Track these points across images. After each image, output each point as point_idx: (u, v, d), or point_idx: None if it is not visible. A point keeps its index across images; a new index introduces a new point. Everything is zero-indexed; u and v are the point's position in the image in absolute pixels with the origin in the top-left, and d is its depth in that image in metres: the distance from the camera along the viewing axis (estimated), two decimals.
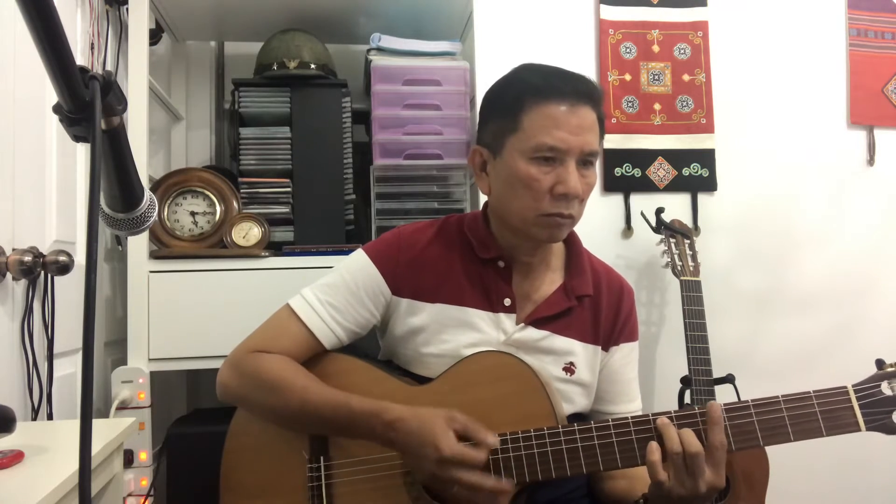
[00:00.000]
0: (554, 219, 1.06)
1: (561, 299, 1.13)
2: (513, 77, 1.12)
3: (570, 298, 1.13)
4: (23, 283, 1.21)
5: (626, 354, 1.19)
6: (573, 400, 1.13)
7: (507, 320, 1.12)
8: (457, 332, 1.10)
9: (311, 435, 1.07)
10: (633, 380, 1.21)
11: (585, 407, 1.16)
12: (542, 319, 1.12)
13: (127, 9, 1.56)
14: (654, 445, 0.93)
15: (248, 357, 1.08)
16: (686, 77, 2.15)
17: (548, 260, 1.17)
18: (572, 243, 1.20)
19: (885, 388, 0.93)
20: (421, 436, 0.94)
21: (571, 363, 1.13)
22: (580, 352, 1.14)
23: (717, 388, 1.73)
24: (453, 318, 1.11)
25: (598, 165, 2.08)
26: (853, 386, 0.94)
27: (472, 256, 1.14)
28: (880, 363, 0.95)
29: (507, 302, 1.12)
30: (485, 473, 0.93)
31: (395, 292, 1.13)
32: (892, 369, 0.94)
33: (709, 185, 2.15)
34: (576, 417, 1.14)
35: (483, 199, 1.60)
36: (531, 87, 1.06)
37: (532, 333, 1.12)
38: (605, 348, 1.17)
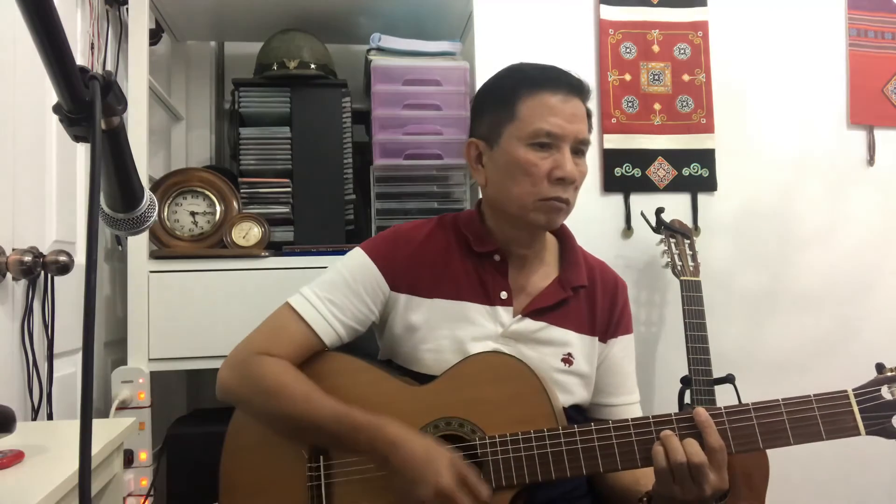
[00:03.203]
0: (552, 203, 1.08)
1: (556, 291, 1.15)
2: (507, 71, 1.16)
3: (566, 290, 1.15)
4: (23, 283, 1.21)
5: (624, 346, 1.21)
6: (572, 391, 1.14)
7: (505, 313, 1.13)
8: (454, 327, 1.11)
9: None
10: (632, 372, 1.23)
11: (584, 399, 1.17)
12: (539, 311, 1.13)
13: (127, 9, 1.56)
14: (661, 456, 0.93)
15: (250, 359, 1.08)
16: (686, 77, 2.15)
17: (542, 254, 1.19)
18: (565, 237, 1.22)
19: (886, 392, 0.93)
20: (427, 461, 0.95)
21: (569, 354, 1.14)
22: (577, 342, 1.15)
23: (717, 388, 1.73)
24: (451, 312, 1.12)
25: (597, 165, 2.10)
26: (853, 390, 0.94)
27: (468, 251, 1.16)
28: (880, 367, 0.95)
29: (504, 295, 1.13)
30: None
31: (394, 288, 1.13)
32: (893, 374, 0.94)
33: (709, 185, 2.15)
34: (575, 409, 1.15)
35: None
36: (527, 77, 1.10)
37: (529, 325, 1.13)
38: (604, 340, 1.19)
